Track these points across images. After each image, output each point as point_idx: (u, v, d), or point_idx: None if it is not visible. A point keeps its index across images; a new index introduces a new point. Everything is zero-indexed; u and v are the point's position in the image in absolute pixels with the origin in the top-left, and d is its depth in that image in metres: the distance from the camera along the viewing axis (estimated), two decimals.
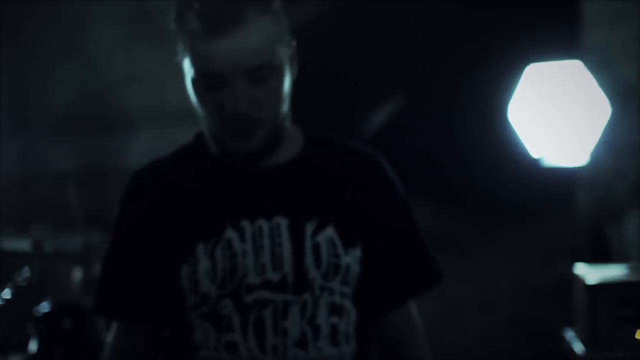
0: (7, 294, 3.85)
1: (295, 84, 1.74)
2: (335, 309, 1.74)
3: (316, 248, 1.73)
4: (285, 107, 1.73)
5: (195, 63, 1.67)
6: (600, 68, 4.06)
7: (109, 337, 1.86)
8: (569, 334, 3.67)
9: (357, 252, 1.75)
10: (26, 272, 3.90)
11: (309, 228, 1.74)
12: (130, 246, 1.79)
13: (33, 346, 3.83)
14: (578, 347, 3.52)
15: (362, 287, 1.76)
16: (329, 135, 1.85)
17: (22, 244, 3.98)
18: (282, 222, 1.73)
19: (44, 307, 3.90)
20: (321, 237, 1.74)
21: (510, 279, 4.69)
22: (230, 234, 1.72)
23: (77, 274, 4.02)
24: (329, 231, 1.74)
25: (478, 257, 4.68)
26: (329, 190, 1.78)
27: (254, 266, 1.71)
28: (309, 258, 1.72)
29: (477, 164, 4.52)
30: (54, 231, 4.11)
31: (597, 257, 4.11)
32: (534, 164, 4.00)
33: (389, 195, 1.82)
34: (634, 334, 3.43)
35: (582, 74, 3.80)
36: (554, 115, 3.79)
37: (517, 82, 3.94)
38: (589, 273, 3.57)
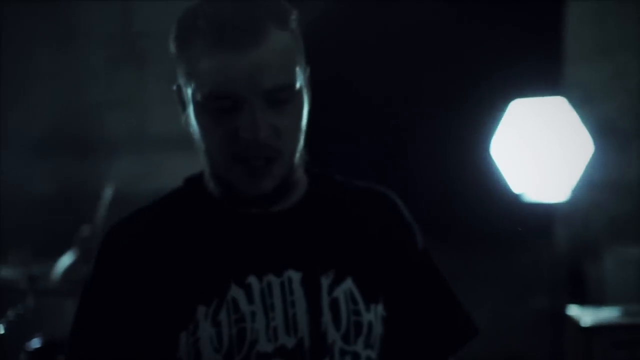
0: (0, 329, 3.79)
1: None
2: None
3: (334, 304, 1.50)
4: (302, 141, 1.51)
5: (204, 84, 1.42)
6: (582, 104, 4.10)
7: None
8: None
9: (379, 308, 1.53)
10: (20, 308, 3.84)
11: (325, 281, 1.50)
12: (113, 311, 1.48)
13: None
14: None
15: (388, 350, 1.53)
16: (332, 173, 1.64)
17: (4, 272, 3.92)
18: (294, 276, 1.50)
19: (36, 342, 3.84)
20: (339, 292, 1.51)
21: (487, 313, 4.69)
22: (236, 293, 1.48)
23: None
24: (348, 284, 1.52)
25: (457, 290, 4.67)
26: (343, 237, 1.54)
27: (265, 330, 1.47)
28: (326, 317, 1.48)
29: (459, 199, 4.53)
30: (34, 256, 4.06)
31: (575, 292, 4.13)
32: (515, 199, 4.02)
33: (409, 240, 1.60)
34: None
35: (566, 110, 3.82)
36: (537, 151, 3.81)
37: (500, 118, 3.96)
38: (583, 315, 3.58)
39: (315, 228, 1.54)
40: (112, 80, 4.78)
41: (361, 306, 1.51)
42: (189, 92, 1.46)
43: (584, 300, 3.97)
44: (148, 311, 1.46)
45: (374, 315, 1.52)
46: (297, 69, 1.45)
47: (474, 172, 4.36)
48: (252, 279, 1.48)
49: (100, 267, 1.51)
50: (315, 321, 1.48)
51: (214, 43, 1.41)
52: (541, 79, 4.23)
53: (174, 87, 1.51)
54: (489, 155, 4.02)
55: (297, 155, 1.50)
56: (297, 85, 1.45)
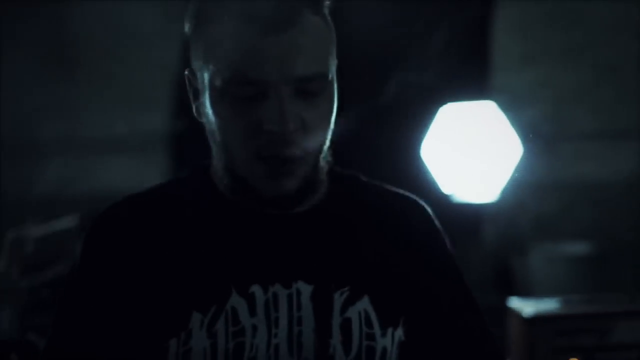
0: None
1: None
2: None
3: (346, 326, 1.31)
4: (329, 139, 1.33)
5: (226, 67, 1.25)
6: (509, 109, 4.27)
7: None
8: None
9: (398, 333, 1.34)
10: None
11: (339, 298, 1.32)
12: (96, 308, 1.30)
13: None
14: None
15: None
16: (357, 174, 1.45)
17: None
18: (304, 289, 1.31)
19: None
20: (353, 311, 1.32)
21: None
22: (236, 302, 1.30)
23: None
24: (364, 303, 1.33)
25: None
26: (365, 247, 1.35)
27: (266, 347, 1.29)
28: (336, 339, 1.30)
29: None
30: None
31: (503, 287, 4.29)
32: (445, 200, 4.13)
33: (440, 256, 1.41)
34: None
35: (495, 114, 3.99)
36: (466, 153, 3.96)
37: (431, 121, 4.08)
38: (524, 306, 3.74)
39: (333, 235, 1.35)
40: (42, 85, 4.73)
41: (376, 330, 1.32)
42: (205, 76, 1.28)
43: (511, 294, 4.14)
44: (136, 311, 1.29)
45: (389, 341, 1.33)
46: (330, 59, 1.30)
47: (405, 174, 4.50)
48: (256, 288, 1.30)
49: (87, 256, 1.34)
50: (323, 342, 1.30)
51: (243, 20, 1.24)
52: (471, 85, 4.40)
53: (185, 72, 1.34)
54: (420, 157, 4.14)
55: (324, 154, 1.33)
56: (329, 76, 1.29)
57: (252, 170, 1.29)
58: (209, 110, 1.30)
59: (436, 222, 1.44)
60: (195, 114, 1.35)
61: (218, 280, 1.30)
